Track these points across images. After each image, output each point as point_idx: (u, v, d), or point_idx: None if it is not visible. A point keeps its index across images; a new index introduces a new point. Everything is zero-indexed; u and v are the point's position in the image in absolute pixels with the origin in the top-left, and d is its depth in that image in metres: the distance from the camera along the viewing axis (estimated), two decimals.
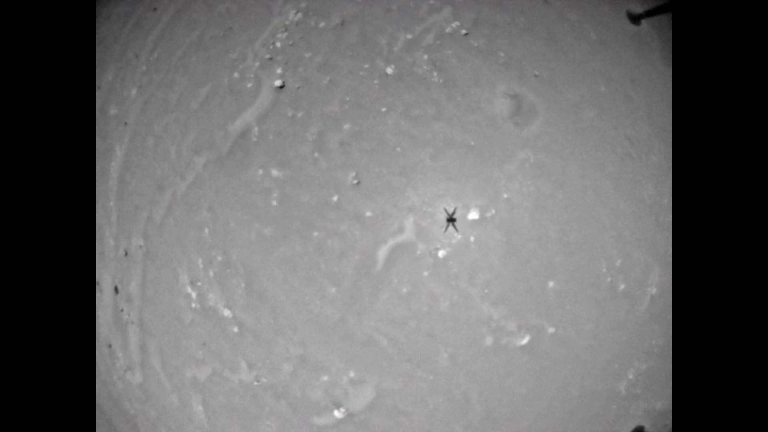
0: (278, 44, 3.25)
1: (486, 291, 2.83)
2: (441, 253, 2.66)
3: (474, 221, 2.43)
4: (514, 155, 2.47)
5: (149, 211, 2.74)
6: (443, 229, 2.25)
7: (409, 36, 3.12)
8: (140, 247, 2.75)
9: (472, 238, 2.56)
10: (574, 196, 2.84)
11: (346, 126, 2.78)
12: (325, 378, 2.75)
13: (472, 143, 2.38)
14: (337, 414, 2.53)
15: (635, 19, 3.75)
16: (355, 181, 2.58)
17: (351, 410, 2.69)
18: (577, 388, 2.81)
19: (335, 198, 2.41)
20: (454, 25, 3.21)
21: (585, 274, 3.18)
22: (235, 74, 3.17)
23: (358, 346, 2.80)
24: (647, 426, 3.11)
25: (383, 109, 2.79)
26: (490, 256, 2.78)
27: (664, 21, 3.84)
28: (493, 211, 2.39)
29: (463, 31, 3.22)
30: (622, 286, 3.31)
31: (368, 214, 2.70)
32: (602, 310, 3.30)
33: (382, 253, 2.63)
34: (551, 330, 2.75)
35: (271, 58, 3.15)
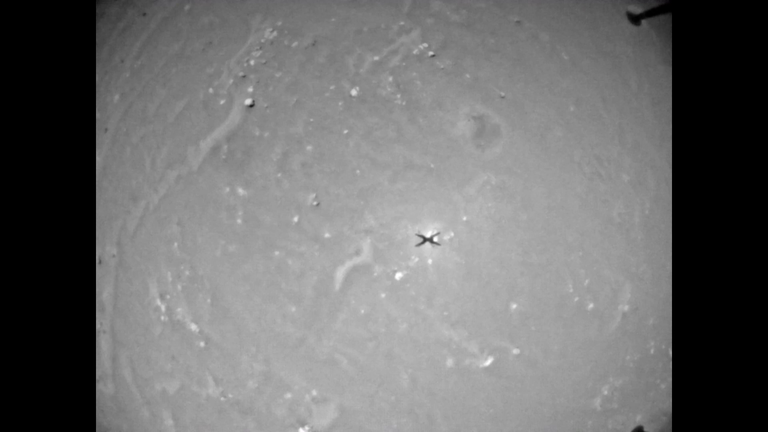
0: (252, 62, 3.34)
1: (445, 313, 2.88)
2: (398, 276, 2.71)
3: (432, 244, 2.78)
4: (475, 177, 2.54)
5: (123, 220, 2.81)
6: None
7: (376, 57, 3.19)
8: (113, 256, 2.81)
9: (429, 261, 2.72)
10: (538, 217, 2.92)
11: (309, 147, 2.86)
12: (289, 396, 2.78)
13: (432, 166, 2.45)
14: (303, 431, 2.74)
15: (635, 19, 3.77)
16: (315, 203, 2.65)
17: (315, 429, 2.75)
18: (548, 407, 2.87)
19: (296, 219, 2.50)
20: (421, 46, 3.28)
21: (550, 295, 3.16)
22: (210, 90, 3.28)
23: (320, 365, 2.82)
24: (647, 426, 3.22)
25: (345, 131, 2.87)
26: (449, 279, 2.82)
27: (664, 21, 3.86)
28: (452, 234, 2.47)
29: (431, 53, 3.29)
30: (590, 306, 3.28)
31: (327, 235, 2.77)
32: (570, 330, 3.30)
33: (339, 274, 2.67)
34: (516, 351, 2.80)
35: (244, 76, 3.25)
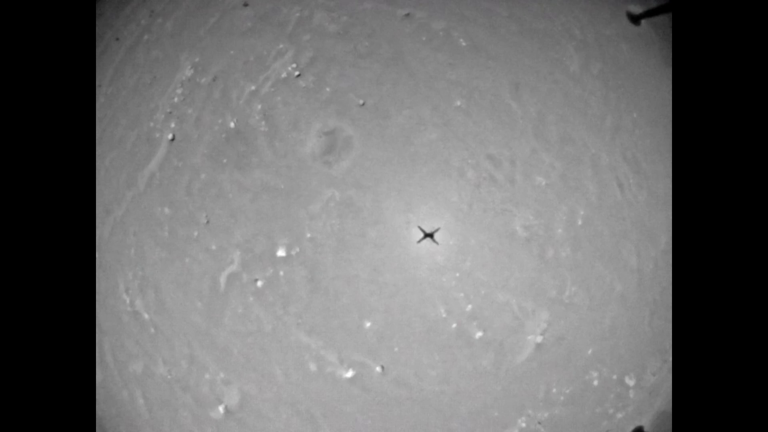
0: (176, 99, 5.34)
1: (299, 321, 4.03)
2: (259, 284, 4.11)
3: (281, 258, 4.01)
4: (320, 195, 3.52)
5: (101, 229, 5.03)
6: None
7: (252, 87, 4.52)
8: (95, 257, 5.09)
9: (281, 273, 4.01)
10: (391, 233, 3.61)
11: (203, 176, 4.57)
12: (207, 376, 4.69)
13: (282, 186, 3.57)
14: (221, 410, 4.65)
15: (635, 19, 4.65)
16: (206, 221, 4.42)
17: (229, 408, 4.60)
18: (442, 430, 3.66)
19: (195, 233, 4.63)
20: (290, 68, 4.36)
21: (414, 318, 3.70)
22: (151, 123, 5.50)
23: (221, 352, 4.58)
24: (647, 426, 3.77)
25: (224, 161, 4.44)
26: (299, 290, 3.92)
27: (664, 21, 4.55)
28: (298, 249, 3.63)
29: (296, 73, 4.32)
30: (478, 334, 3.58)
31: (213, 247, 4.44)
32: (450, 357, 3.72)
33: (222, 279, 4.33)
34: (378, 369, 3.68)
35: (170, 112, 5.30)
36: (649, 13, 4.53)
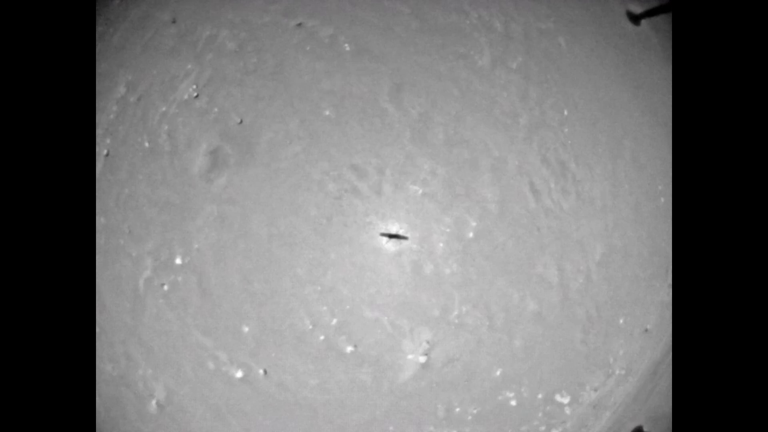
0: (111, 116, 7.12)
1: (196, 322, 5.24)
2: (165, 288, 5.41)
3: (179, 265, 5.18)
4: (202, 210, 4.50)
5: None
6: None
7: (164, 108, 5.84)
8: None
9: (179, 279, 5.20)
10: (258, 246, 4.36)
11: (126, 190, 6.08)
12: (140, 372, 6.43)
13: (177, 202, 4.86)
14: (154, 404, 6.32)
15: (635, 19, 5.27)
16: (128, 231, 5.97)
17: (159, 402, 6.26)
18: None
19: (121, 241, 6.25)
20: (191, 89, 5.49)
21: (284, 327, 4.47)
22: (98, 139, 7.52)
23: (146, 349, 6.17)
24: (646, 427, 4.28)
25: (140, 177, 5.88)
26: (192, 295, 5.06)
27: (664, 21, 5.02)
28: (189, 259, 5.00)
29: (195, 94, 5.41)
30: (349, 348, 4.16)
31: (133, 254, 5.94)
32: (325, 368, 4.43)
33: (141, 283, 5.81)
34: (261, 371, 4.83)
35: (107, 128, 7.12)
36: (649, 13, 5.10)
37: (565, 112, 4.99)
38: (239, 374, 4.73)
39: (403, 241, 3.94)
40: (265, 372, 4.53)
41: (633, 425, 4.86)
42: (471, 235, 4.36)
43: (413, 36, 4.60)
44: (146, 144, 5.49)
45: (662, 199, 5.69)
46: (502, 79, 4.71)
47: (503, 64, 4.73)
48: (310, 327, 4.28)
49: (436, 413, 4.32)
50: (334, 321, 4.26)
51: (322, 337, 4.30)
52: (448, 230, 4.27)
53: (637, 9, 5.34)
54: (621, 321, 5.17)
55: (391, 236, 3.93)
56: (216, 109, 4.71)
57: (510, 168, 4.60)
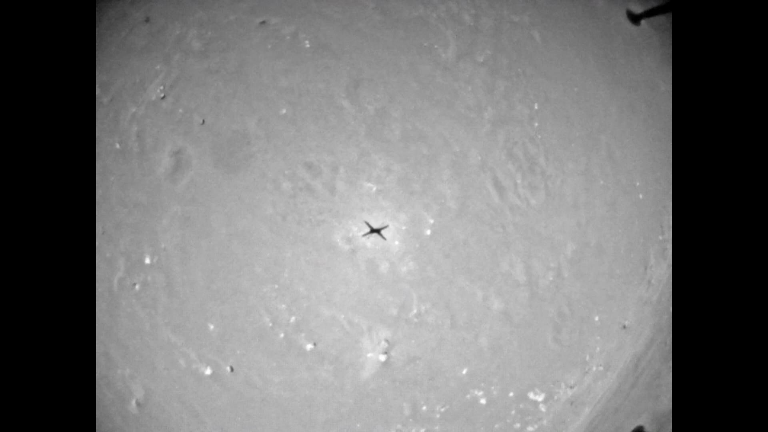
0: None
1: (166, 320, 5.34)
2: (137, 287, 5.53)
3: (148, 265, 5.26)
4: (168, 210, 4.53)
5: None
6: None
7: (134, 110, 5.93)
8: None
9: (149, 278, 5.28)
10: (219, 245, 4.40)
11: (100, 191, 6.21)
12: (119, 371, 6.64)
13: (146, 202, 5.07)
14: (134, 404, 6.51)
15: (635, 19, 5.41)
16: (102, 232, 6.14)
17: (138, 401, 6.44)
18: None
19: (97, 242, 6.52)
20: (158, 90, 5.54)
21: (245, 325, 4.48)
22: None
23: (122, 348, 6.35)
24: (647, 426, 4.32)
25: (112, 179, 6.01)
26: (160, 293, 5.13)
27: (664, 21, 5.10)
28: (157, 258, 5.10)
29: (162, 95, 5.46)
30: (309, 346, 4.14)
31: (107, 255, 6.13)
32: (287, 365, 4.46)
33: (115, 282, 5.96)
34: (228, 368, 4.92)
35: None
36: (649, 13, 5.19)
37: (536, 106, 4.90)
38: (208, 371, 4.81)
39: (381, 235, 3.94)
40: (232, 369, 4.60)
41: (616, 418, 4.79)
42: (428, 232, 4.32)
43: (375, 30, 4.56)
44: (117, 145, 5.61)
45: (640, 196, 5.60)
46: (467, 72, 4.63)
47: (469, 57, 4.65)
48: (270, 325, 4.33)
49: (403, 411, 4.32)
50: (293, 319, 4.29)
51: (282, 335, 4.34)
52: (404, 228, 4.24)
53: (637, 9, 5.40)
54: (596, 318, 5.08)
55: (372, 230, 3.92)
56: (181, 110, 4.78)
57: (472, 163, 4.54)
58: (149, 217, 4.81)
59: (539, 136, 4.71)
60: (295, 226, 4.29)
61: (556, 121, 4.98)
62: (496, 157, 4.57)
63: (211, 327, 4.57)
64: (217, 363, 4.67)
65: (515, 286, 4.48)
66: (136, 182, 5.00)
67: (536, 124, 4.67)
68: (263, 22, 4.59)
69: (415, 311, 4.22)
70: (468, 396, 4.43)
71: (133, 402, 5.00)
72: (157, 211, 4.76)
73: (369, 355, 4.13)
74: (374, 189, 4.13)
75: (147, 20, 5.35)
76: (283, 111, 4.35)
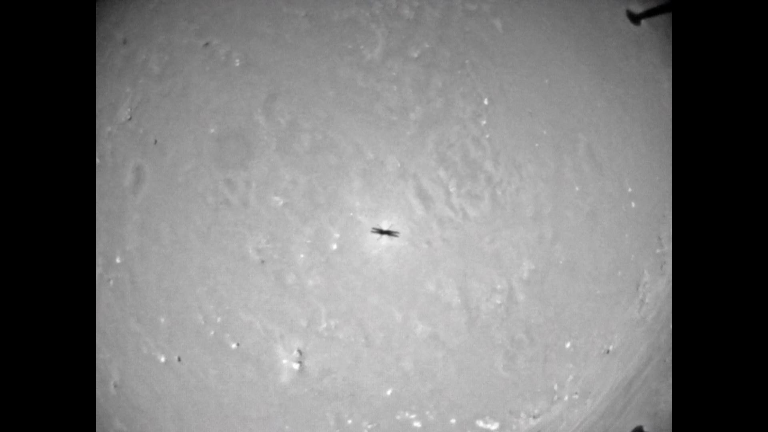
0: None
1: (132, 312, 6.07)
2: (111, 282, 6.41)
3: (118, 264, 6.00)
4: (131, 218, 5.38)
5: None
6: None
7: (109, 129, 6.77)
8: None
9: (119, 275, 6.06)
10: (164, 251, 4.81)
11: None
12: (101, 356, 7.85)
13: (116, 211, 5.87)
14: (113, 385, 7.67)
15: (635, 19, 5.30)
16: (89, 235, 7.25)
17: (116, 383, 7.59)
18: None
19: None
20: (126, 112, 6.23)
21: (183, 320, 4.87)
22: None
23: (102, 334, 7.42)
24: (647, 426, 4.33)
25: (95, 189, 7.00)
26: (127, 288, 5.84)
27: (664, 21, 4.82)
28: (124, 259, 5.77)
29: (129, 117, 6.10)
30: (233, 345, 4.33)
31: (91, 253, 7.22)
32: (218, 361, 4.80)
33: (96, 277, 6.99)
34: (176, 357, 5.49)
35: None
36: (649, 13, 5.15)
37: (485, 101, 4.51)
38: (162, 359, 5.57)
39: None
40: (179, 359, 5.29)
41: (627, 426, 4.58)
42: (334, 246, 4.42)
43: (299, 40, 4.76)
44: (98, 160, 6.57)
45: (632, 204, 4.91)
46: (395, 70, 4.49)
47: (400, 54, 4.48)
48: (203, 322, 4.90)
49: (327, 421, 4.60)
50: (219, 319, 4.81)
51: (212, 333, 4.90)
52: (308, 241, 4.44)
53: (637, 9, 5.27)
54: (568, 345, 4.66)
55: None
56: (141, 131, 5.51)
57: (388, 171, 4.53)
58: (118, 223, 5.65)
59: (486, 136, 4.40)
60: (218, 236, 4.78)
61: (514, 117, 4.48)
62: (422, 162, 4.41)
63: (162, 320, 5.29)
64: (169, 352, 5.40)
65: (445, 309, 4.37)
66: (109, 193, 5.88)
67: (483, 122, 4.39)
68: (206, 44, 5.10)
69: (324, 325, 4.44)
70: (398, 417, 4.50)
71: (112, 384, 6.00)
72: (123, 219, 5.57)
73: (284, 361, 4.49)
74: (281, 202, 4.42)
75: (125, 42, 6.14)
76: (212, 131, 4.84)
